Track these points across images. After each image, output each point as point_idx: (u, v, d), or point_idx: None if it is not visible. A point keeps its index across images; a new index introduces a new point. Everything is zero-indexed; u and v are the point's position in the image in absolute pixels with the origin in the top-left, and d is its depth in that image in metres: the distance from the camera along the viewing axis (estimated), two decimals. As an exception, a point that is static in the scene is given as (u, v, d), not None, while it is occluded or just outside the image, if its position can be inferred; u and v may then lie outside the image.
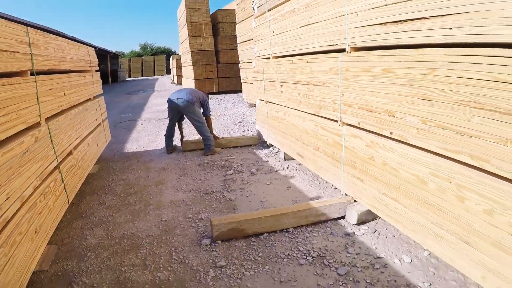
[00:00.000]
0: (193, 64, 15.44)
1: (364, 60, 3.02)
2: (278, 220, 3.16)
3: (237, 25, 11.66)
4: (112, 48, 41.29)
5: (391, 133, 2.76)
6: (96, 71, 5.84)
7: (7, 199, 2.24)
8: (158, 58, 48.55)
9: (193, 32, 15.42)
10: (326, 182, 4.26)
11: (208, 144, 5.91)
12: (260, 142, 6.40)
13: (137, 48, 64.68)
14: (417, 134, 2.49)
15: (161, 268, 2.75)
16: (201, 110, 6.04)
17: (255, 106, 7.88)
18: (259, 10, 5.63)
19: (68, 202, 3.55)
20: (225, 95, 14.93)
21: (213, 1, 15.65)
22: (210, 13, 15.86)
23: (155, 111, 11.88)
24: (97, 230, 3.44)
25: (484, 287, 2.12)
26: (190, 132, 7.60)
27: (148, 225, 3.49)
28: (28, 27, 3.04)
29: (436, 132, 2.33)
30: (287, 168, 4.96)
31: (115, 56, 36.35)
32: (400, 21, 2.57)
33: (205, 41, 15.51)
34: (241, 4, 10.97)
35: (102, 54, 26.19)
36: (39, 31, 3.36)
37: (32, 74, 3.03)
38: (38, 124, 3.07)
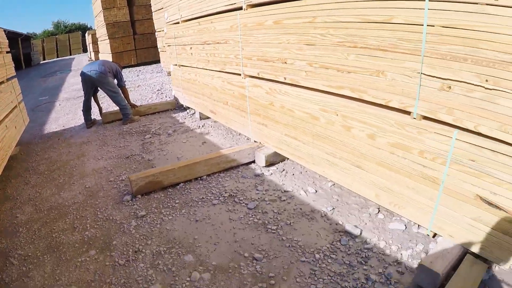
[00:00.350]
0: (109, 38, 14.28)
1: (258, 15, 3.07)
2: (192, 169, 3.22)
3: (151, -7, 10.81)
4: (23, 30, 37.46)
5: (285, 78, 2.88)
6: (7, 52, 5.36)
7: None
8: (73, 36, 44.67)
9: (107, 4, 14.08)
10: (239, 134, 4.36)
11: (126, 113, 5.72)
12: (177, 106, 6.31)
13: (50, 27, 59.54)
14: (306, 76, 2.63)
15: (88, 227, 2.74)
16: (115, 81, 5.83)
17: (173, 74, 7.74)
18: (164, -24, 5.45)
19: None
20: (144, 66, 14.27)
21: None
22: (123, -18, 14.52)
23: (73, 90, 11.07)
24: (25, 208, 3.29)
25: (379, 204, 2.36)
26: (109, 105, 7.33)
27: (73, 194, 3.41)
28: None
29: (321, 72, 2.48)
30: (203, 126, 4.98)
31: (27, 38, 32.59)
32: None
33: (119, 12, 14.26)
34: (152, -28, 10.22)
35: (12, 37, 23.55)
36: None
37: None
38: None
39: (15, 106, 5.13)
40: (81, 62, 26.01)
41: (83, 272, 2.26)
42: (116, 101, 5.67)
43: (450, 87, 1.73)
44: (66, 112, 7.74)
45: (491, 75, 1.56)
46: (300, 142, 2.90)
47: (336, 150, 2.55)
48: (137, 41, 14.77)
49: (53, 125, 6.72)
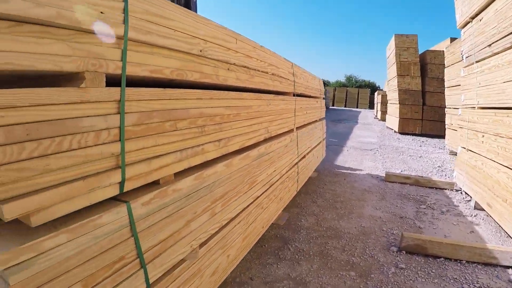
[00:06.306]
0: (399, 103, 15.93)
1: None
2: (456, 249, 3.76)
3: (445, 68, 11.44)
4: (319, 75, 44.97)
5: None
6: (323, 98, 7.71)
7: (274, 171, 3.84)
8: (362, 91, 49.46)
9: (401, 71, 15.96)
10: (507, 236, 4.49)
11: None
12: (455, 189, 6.75)
13: (342, 79, 67.75)
14: None
15: (355, 255, 3.84)
16: None
17: (456, 154, 8.05)
18: (467, 60, 6.10)
19: (297, 190, 5.14)
20: (427, 138, 14.94)
21: (421, 41, 15.72)
22: (419, 53, 16.06)
23: (359, 142, 13.38)
24: (309, 218, 4.81)
25: None
26: (393, 164, 8.36)
27: (349, 226, 4.64)
28: (293, 63, 4.68)
29: None
30: (475, 216, 5.26)
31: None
32: None
33: (412, 81, 15.82)
34: (450, 48, 10.80)
35: (309, 81, 29.10)
36: (296, 64, 4.94)
37: (293, 95, 4.71)
38: (292, 130, 4.73)
39: (320, 142, 7.23)
40: (366, 116, 29.18)
41: (341, 283, 3.27)
42: None
43: None
44: (352, 159, 9.69)
45: None
46: None
47: None
48: (425, 111, 15.79)
49: (340, 165, 8.74)
